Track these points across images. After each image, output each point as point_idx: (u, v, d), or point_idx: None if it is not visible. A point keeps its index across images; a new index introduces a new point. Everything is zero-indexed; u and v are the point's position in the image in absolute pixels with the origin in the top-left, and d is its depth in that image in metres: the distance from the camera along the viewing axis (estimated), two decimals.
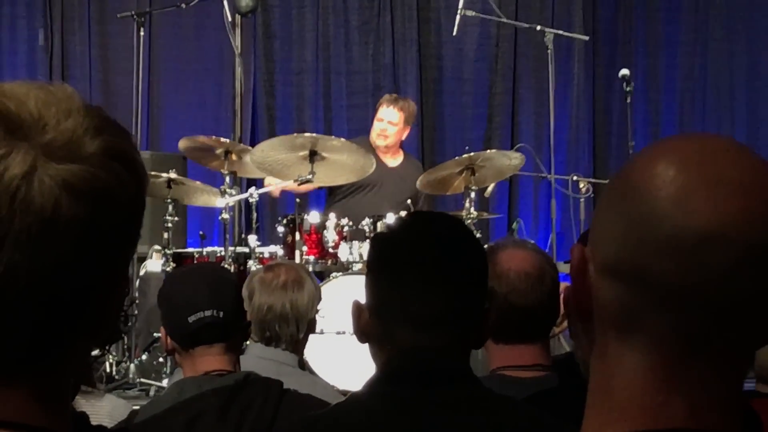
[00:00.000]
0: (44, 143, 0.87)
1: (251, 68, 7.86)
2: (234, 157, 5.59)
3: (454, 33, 6.83)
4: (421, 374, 1.71)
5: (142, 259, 5.96)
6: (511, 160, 5.83)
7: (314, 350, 4.77)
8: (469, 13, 6.65)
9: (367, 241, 5.40)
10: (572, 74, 8.30)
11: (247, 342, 3.02)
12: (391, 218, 5.40)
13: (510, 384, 2.30)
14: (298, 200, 5.77)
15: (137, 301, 5.71)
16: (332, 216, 5.63)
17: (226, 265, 5.30)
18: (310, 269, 4.97)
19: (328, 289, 4.90)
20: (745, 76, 8.53)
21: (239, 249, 5.75)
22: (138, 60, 6.36)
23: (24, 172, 0.86)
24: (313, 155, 5.40)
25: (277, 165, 5.52)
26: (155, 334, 5.30)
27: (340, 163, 5.54)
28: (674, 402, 0.88)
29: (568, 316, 2.54)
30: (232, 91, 7.03)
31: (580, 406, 0.93)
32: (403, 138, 6.34)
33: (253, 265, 5.45)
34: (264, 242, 5.95)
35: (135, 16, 6.38)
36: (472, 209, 5.59)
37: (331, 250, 5.58)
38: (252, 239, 5.61)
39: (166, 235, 5.59)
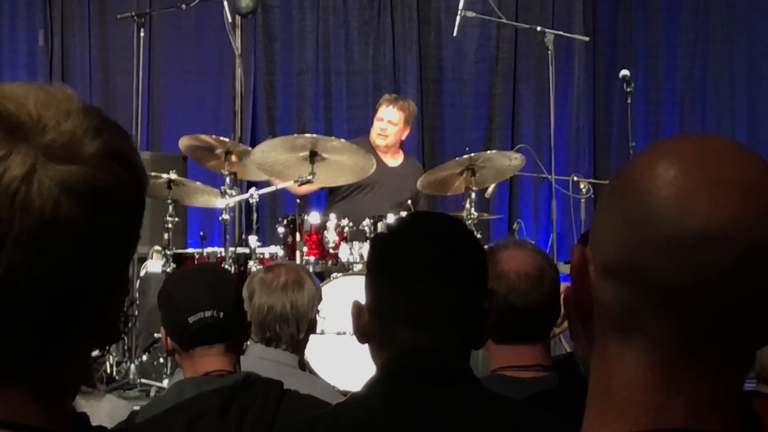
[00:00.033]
0: (44, 144, 0.87)
1: (251, 69, 7.86)
2: (234, 158, 5.59)
3: (455, 34, 6.83)
4: (421, 374, 1.71)
5: (143, 259, 5.96)
6: (512, 160, 5.83)
7: (315, 351, 4.77)
8: (470, 13, 6.65)
9: (368, 241, 5.40)
10: (572, 75, 8.30)
11: (248, 342, 3.01)
12: (391, 218, 5.40)
13: (510, 384, 2.30)
14: (298, 201, 5.77)
15: (137, 302, 5.71)
16: (332, 216, 5.63)
17: (226, 266, 5.30)
18: (311, 270, 4.97)
19: (328, 289, 4.90)
20: (745, 76, 8.53)
21: (239, 250, 5.75)
22: (138, 61, 6.36)
23: (24, 174, 0.86)
24: (313, 156, 5.40)
25: (278, 166, 5.52)
26: (155, 335, 5.30)
27: (340, 164, 5.54)
28: (674, 402, 0.88)
29: (569, 317, 2.54)
30: (232, 92, 7.03)
31: (581, 406, 0.93)
32: (403, 138, 6.34)
33: (253, 265, 5.45)
34: (264, 243, 5.96)
35: (135, 17, 6.38)
36: (473, 210, 5.58)
37: (331, 251, 5.58)
38: (252, 240, 5.60)
39: (166, 236, 5.59)
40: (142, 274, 5.90)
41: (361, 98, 8.10)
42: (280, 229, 5.69)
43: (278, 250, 5.65)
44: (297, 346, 3.16)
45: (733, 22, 8.52)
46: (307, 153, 5.41)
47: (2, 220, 0.85)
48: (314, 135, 5.66)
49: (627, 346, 0.89)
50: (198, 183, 5.79)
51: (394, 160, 6.29)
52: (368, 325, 1.79)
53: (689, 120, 8.49)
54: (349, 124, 8.01)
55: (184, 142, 5.74)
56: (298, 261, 5.41)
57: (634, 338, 0.89)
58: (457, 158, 5.69)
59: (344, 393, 3.46)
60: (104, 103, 7.49)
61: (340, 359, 4.96)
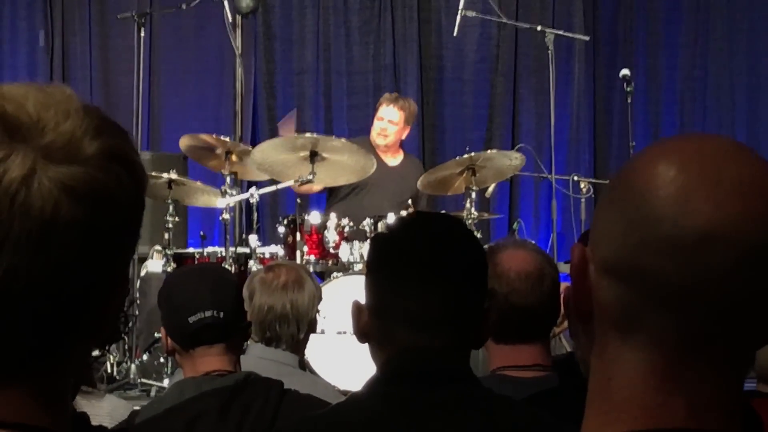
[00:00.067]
0: (43, 145, 0.87)
1: (252, 69, 7.86)
2: (235, 157, 5.59)
3: (455, 33, 6.83)
4: (421, 374, 1.71)
5: (143, 259, 5.96)
6: (512, 160, 5.83)
7: (315, 350, 4.77)
8: (470, 13, 6.65)
9: (368, 241, 5.40)
10: (573, 74, 8.29)
11: (248, 342, 3.01)
12: (391, 218, 5.40)
13: (510, 384, 2.30)
14: (298, 200, 5.77)
15: (138, 302, 5.71)
16: (333, 216, 5.63)
17: (226, 266, 5.30)
18: (311, 269, 4.97)
19: (328, 289, 4.90)
20: (745, 76, 8.53)
21: (240, 249, 5.76)
22: (138, 61, 6.37)
23: (23, 175, 0.86)
24: (313, 156, 5.40)
25: (278, 165, 5.52)
26: (156, 335, 5.30)
27: (340, 164, 5.54)
28: (674, 402, 0.88)
29: (569, 316, 2.54)
30: (232, 92, 7.03)
31: (581, 406, 0.93)
32: (404, 137, 6.34)
33: (253, 265, 5.45)
34: (265, 243, 5.96)
35: (135, 17, 6.38)
36: (473, 210, 5.58)
37: (331, 251, 5.58)
38: (253, 239, 5.60)
39: (166, 236, 5.59)
40: (142, 274, 5.90)
41: (362, 98, 8.09)
42: (281, 229, 5.69)
43: (278, 250, 5.65)
44: (297, 346, 3.16)
45: (733, 22, 8.51)
46: (307, 153, 5.41)
47: (2, 221, 0.85)
48: (314, 135, 5.66)
49: (627, 346, 0.89)
50: (198, 183, 5.79)
51: (395, 160, 6.28)
52: (368, 324, 1.79)
53: (689, 120, 8.49)
54: (350, 124, 8.00)
55: (184, 142, 5.74)
56: (298, 261, 5.41)
57: (634, 338, 0.89)
58: (457, 158, 5.68)
59: (344, 393, 3.45)
60: (104, 103, 7.50)
61: (340, 359, 4.96)
